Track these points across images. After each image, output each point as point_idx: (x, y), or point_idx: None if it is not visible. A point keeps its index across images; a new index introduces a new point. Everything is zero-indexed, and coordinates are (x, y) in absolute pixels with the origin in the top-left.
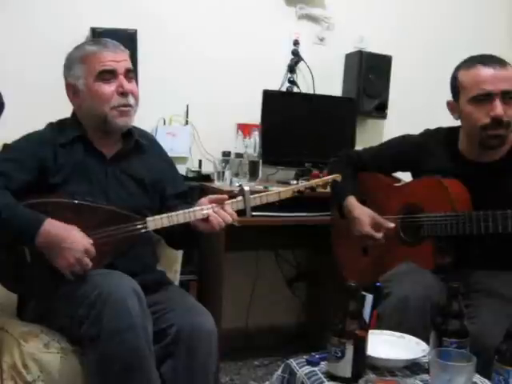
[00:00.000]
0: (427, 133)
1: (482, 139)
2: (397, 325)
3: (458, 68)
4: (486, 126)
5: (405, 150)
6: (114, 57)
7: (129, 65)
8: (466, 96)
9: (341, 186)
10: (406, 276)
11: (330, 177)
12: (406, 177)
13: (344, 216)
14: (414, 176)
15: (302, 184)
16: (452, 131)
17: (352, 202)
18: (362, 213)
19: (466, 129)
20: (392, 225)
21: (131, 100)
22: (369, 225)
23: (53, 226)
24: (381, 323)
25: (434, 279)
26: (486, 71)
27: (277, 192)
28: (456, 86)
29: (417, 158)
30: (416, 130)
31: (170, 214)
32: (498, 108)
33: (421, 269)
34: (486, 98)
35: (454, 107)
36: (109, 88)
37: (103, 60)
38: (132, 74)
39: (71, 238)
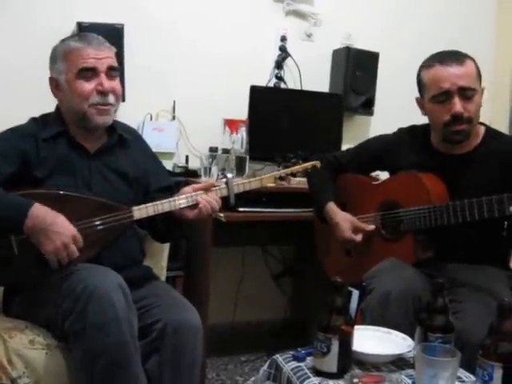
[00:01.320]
0: (401, 131)
1: (446, 135)
2: (379, 319)
3: (421, 66)
4: (448, 123)
5: (381, 149)
6: (97, 54)
7: (112, 62)
8: (427, 95)
9: (320, 192)
10: (389, 271)
11: (309, 163)
12: (384, 176)
13: (324, 221)
14: (390, 173)
15: (283, 170)
16: (425, 127)
17: (332, 208)
18: (342, 219)
19: (431, 125)
20: (371, 227)
21: (111, 99)
22: (349, 230)
23: (41, 211)
24: (364, 318)
25: (416, 274)
26: (444, 70)
27: (259, 179)
28: (420, 85)
29: (392, 156)
30: (402, 126)
31: (155, 203)
32: (457, 105)
33: (403, 264)
34: (445, 97)
35: (420, 104)
36: (88, 86)
37: (85, 57)
38: (115, 72)
39: (60, 223)
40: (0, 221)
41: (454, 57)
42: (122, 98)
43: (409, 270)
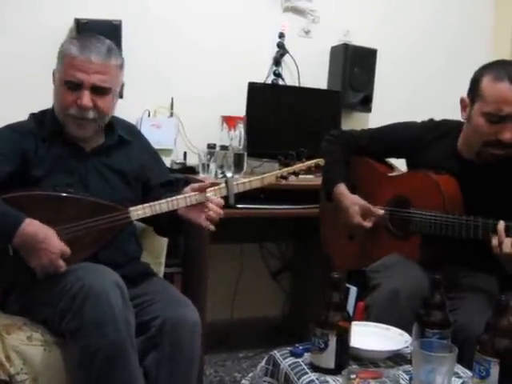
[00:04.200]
0: (430, 124)
1: (481, 153)
2: (386, 317)
3: (483, 70)
4: (489, 144)
5: (405, 140)
6: (88, 67)
7: (100, 80)
8: (481, 107)
9: (332, 171)
10: (396, 268)
11: (312, 161)
12: (398, 163)
13: (332, 200)
14: (408, 164)
15: (285, 169)
16: (455, 127)
17: (342, 190)
18: (352, 203)
19: (469, 135)
20: (381, 211)
21: (90, 114)
22: (358, 214)
23: (31, 227)
24: (369, 314)
25: (422, 273)
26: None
27: (260, 178)
28: (476, 90)
29: (414, 149)
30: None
31: (152, 204)
32: (508, 133)
33: (409, 261)
34: (499, 119)
35: (465, 107)
36: (70, 97)
37: (74, 69)
38: (102, 90)
39: (48, 240)
40: None
41: None
42: (110, 111)
43: (415, 268)
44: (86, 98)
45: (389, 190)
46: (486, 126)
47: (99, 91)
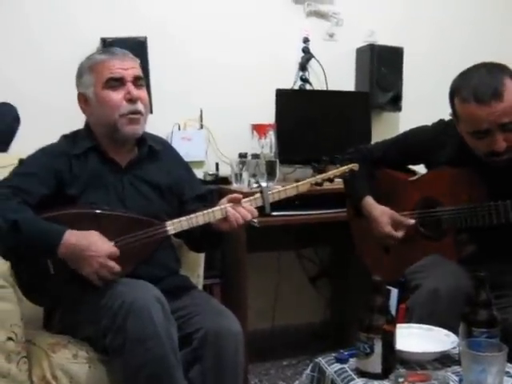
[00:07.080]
0: (440, 125)
1: (488, 162)
2: (428, 317)
3: (454, 91)
4: (489, 154)
5: (419, 144)
6: (122, 64)
7: (137, 72)
8: (463, 127)
9: (355, 186)
10: (435, 267)
11: (347, 166)
12: (418, 168)
13: (361, 215)
14: (427, 167)
15: (320, 176)
16: None
17: (370, 202)
18: (381, 213)
19: (471, 148)
20: (412, 221)
21: (140, 106)
22: (388, 224)
23: (73, 236)
24: (411, 316)
25: (462, 270)
26: (481, 110)
27: (295, 186)
28: (453, 110)
29: (428, 152)
30: (432, 120)
31: (189, 217)
32: (499, 143)
33: (447, 260)
34: (484, 134)
35: (456, 123)
36: (117, 95)
37: (111, 68)
38: (141, 81)
39: (93, 245)
40: (33, 250)
41: (491, 91)
42: (149, 108)
43: (455, 266)
44: (134, 90)
45: (414, 195)
46: (475, 142)
47: (139, 82)
